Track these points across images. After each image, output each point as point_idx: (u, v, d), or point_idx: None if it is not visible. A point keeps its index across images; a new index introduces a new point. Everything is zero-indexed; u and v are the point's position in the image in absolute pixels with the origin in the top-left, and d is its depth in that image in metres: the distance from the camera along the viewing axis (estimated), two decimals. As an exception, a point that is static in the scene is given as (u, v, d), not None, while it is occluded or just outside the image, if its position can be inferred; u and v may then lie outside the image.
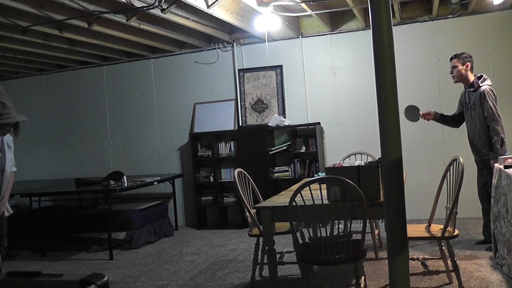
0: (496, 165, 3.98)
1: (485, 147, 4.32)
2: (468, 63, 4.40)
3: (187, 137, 6.92)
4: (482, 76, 4.39)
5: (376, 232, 4.60)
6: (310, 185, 2.95)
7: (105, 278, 1.57)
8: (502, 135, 4.22)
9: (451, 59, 4.49)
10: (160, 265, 4.90)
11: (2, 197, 3.87)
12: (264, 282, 4.06)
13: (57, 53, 6.39)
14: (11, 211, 4.02)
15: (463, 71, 4.40)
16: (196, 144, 6.75)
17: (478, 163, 4.50)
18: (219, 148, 6.68)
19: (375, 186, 3.14)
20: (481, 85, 4.32)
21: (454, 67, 4.44)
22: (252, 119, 6.70)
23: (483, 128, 4.30)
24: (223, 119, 6.74)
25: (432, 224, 3.61)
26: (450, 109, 4.99)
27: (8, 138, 3.91)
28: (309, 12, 5.35)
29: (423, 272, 3.46)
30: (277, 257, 3.71)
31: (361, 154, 5.17)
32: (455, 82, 4.53)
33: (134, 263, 5.07)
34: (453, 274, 3.45)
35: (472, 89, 4.38)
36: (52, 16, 4.57)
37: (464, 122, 4.62)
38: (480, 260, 4.11)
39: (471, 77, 4.41)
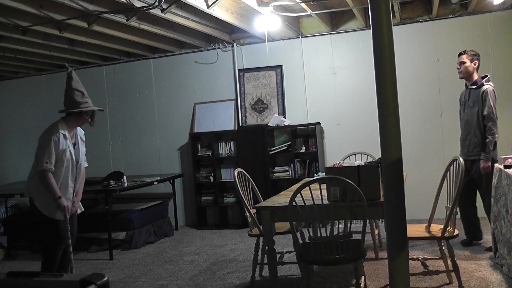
0: (496, 165, 3.98)
1: (478, 147, 4.30)
2: (476, 61, 4.40)
3: (187, 137, 6.91)
4: (487, 76, 4.39)
5: (376, 232, 4.60)
6: (310, 185, 2.95)
7: (105, 278, 1.57)
8: (496, 138, 4.21)
9: (460, 54, 4.47)
10: (160, 265, 4.90)
11: (76, 193, 3.88)
12: (264, 282, 4.06)
13: (57, 53, 6.39)
14: (83, 209, 4.04)
15: (471, 68, 4.39)
16: (196, 144, 6.75)
17: (465, 163, 4.42)
18: (219, 148, 6.67)
19: (375, 186, 3.14)
20: (485, 83, 4.31)
21: (462, 63, 4.42)
22: (252, 119, 6.70)
23: (479, 126, 4.28)
24: (223, 119, 6.73)
25: (432, 224, 3.61)
26: (450, 109, 5.01)
27: (81, 133, 3.98)
28: (309, 12, 5.35)
29: (423, 272, 3.46)
30: (277, 257, 3.72)
31: (361, 154, 5.17)
32: (461, 78, 4.50)
33: (134, 263, 5.07)
34: (453, 274, 3.45)
35: (475, 87, 4.36)
36: (52, 16, 4.57)
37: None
38: (480, 260, 4.11)
39: (476, 75, 4.41)
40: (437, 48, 5.93)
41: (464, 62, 4.40)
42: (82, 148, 3.97)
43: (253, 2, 4.93)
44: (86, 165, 4.04)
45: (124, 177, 5.67)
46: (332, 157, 6.23)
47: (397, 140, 1.82)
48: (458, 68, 4.48)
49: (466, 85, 4.51)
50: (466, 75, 4.43)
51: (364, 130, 6.08)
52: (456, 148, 5.51)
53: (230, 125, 6.65)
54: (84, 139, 4.02)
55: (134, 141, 7.28)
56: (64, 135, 3.72)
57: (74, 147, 3.84)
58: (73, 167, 3.82)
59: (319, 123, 6.30)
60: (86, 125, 3.92)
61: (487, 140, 4.20)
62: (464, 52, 4.44)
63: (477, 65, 4.40)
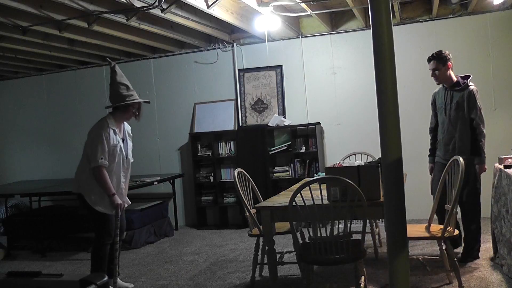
0: (496, 165, 3.97)
1: (466, 150, 4.01)
2: (450, 63, 4.10)
3: (187, 137, 6.91)
4: (470, 76, 4.14)
5: (376, 232, 4.60)
6: (310, 185, 2.95)
7: (105, 278, 1.57)
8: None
9: (429, 60, 4.15)
10: (160, 265, 4.90)
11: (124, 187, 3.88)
12: (264, 282, 4.06)
13: (57, 53, 6.39)
14: (130, 202, 4.05)
15: (447, 73, 4.10)
16: (196, 144, 6.75)
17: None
18: (219, 148, 6.67)
19: (375, 186, 3.15)
20: (469, 84, 4.07)
21: (435, 69, 4.13)
22: (252, 119, 6.70)
23: (467, 129, 4.01)
24: (223, 119, 6.73)
25: (432, 224, 3.61)
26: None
27: (128, 128, 4.01)
28: (309, 12, 5.35)
29: (423, 272, 3.46)
30: (277, 257, 3.72)
31: (361, 154, 5.17)
32: (438, 84, 4.25)
33: (134, 263, 5.07)
34: (453, 274, 3.45)
35: (458, 88, 4.09)
36: (52, 16, 4.57)
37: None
38: (480, 260, 4.11)
39: (454, 76, 4.13)
40: (437, 48, 5.82)
41: (438, 69, 4.11)
42: (130, 143, 3.98)
43: (253, 2, 4.93)
44: (132, 160, 4.05)
45: (124, 177, 5.66)
46: (332, 157, 6.23)
47: (397, 140, 1.82)
48: (432, 76, 4.16)
49: (444, 86, 4.21)
50: (444, 79, 4.14)
51: (364, 130, 6.08)
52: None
53: (230, 125, 6.65)
54: (131, 134, 4.05)
55: (134, 141, 7.22)
56: (114, 131, 3.75)
57: (122, 142, 3.86)
58: (124, 163, 3.85)
59: (319, 123, 6.30)
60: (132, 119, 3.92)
61: (480, 143, 3.97)
62: (433, 58, 4.11)
63: (451, 66, 4.11)
